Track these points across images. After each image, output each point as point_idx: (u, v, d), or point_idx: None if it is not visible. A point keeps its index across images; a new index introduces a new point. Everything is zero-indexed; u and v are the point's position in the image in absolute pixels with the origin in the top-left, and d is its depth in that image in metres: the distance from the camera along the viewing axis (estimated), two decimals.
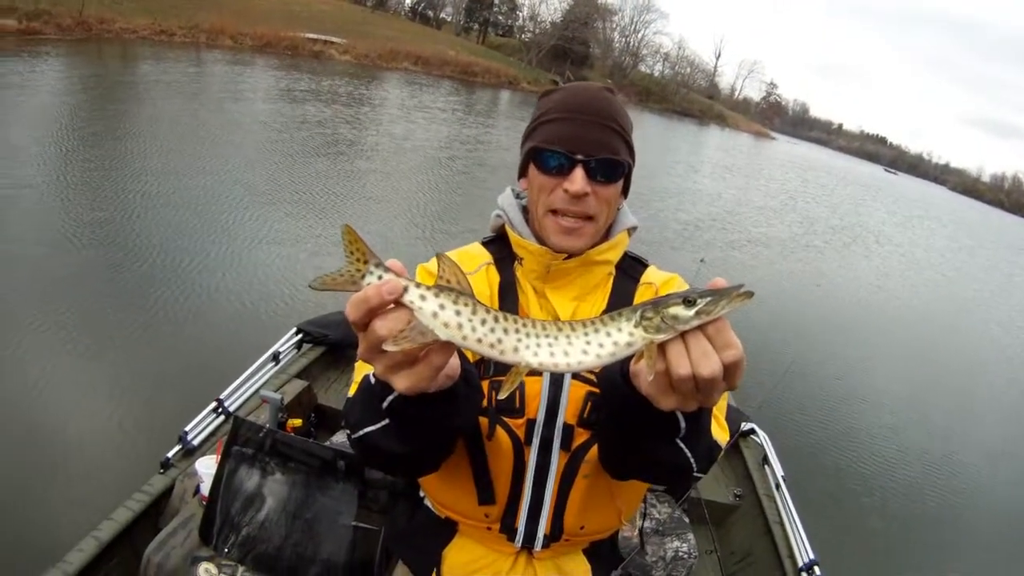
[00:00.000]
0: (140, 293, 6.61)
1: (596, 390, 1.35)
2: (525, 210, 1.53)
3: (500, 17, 72.78)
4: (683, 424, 1.08)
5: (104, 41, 25.16)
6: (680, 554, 2.86)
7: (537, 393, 1.38)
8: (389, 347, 0.83)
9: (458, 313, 0.85)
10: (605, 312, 1.44)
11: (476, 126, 24.59)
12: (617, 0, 76.16)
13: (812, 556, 3.12)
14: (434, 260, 1.41)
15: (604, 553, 1.60)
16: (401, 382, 0.90)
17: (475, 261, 1.51)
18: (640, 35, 76.16)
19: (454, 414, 1.07)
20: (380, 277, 0.84)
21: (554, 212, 1.41)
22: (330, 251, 8.50)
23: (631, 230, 1.55)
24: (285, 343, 3.92)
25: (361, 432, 1.15)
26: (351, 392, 1.26)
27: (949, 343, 12.90)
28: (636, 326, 0.88)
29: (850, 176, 58.80)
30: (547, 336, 0.88)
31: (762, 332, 8.82)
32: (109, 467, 4.20)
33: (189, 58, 25.60)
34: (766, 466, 3.89)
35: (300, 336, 4.07)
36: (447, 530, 1.51)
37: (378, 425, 1.13)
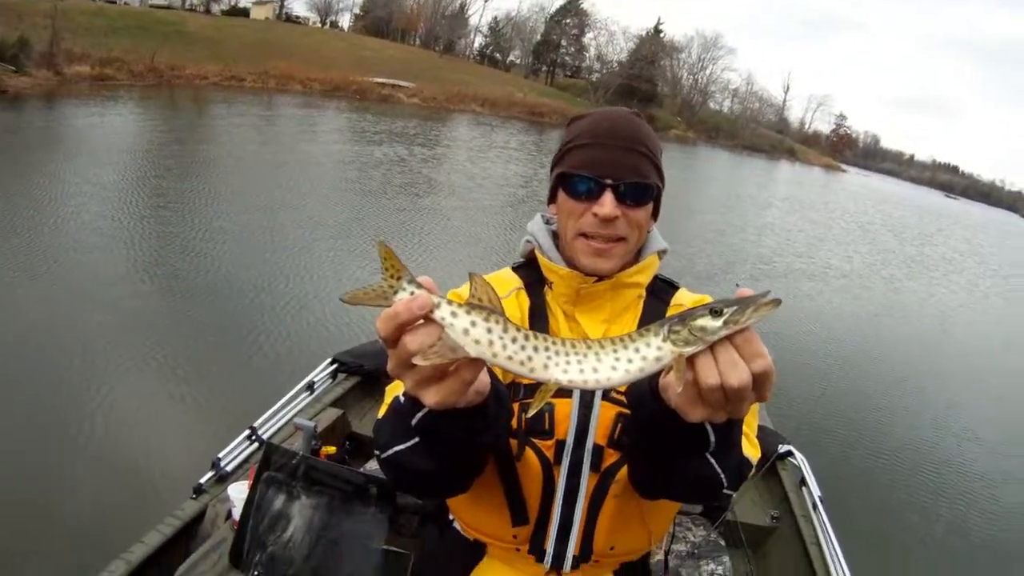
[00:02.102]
0: (186, 321, 6.88)
1: (626, 411, 1.34)
2: (555, 235, 1.55)
3: (567, 58, 74.06)
4: (713, 438, 1.08)
5: (176, 87, 26.55)
6: None
7: (567, 415, 1.38)
8: (419, 361, 0.84)
9: (489, 331, 0.86)
10: None
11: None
12: (684, 38, 76.44)
13: None
14: (466, 286, 1.41)
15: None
16: (431, 396, 0.91)
17: (506, 286, 1.53)
18: (708, 72, 76.13)
19: (483, 430, 1.07)
20: (412, 293, 0.85)
21: (584, 235, 1.42)
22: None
23: (661, 253, 1.55)
24: (320, 372, 3.93)
25: (391, 451, 1.17)
26: (380, 414, 1.28)
27: (1007, 372, 12.06)
28: (664, 340, 0.89)
29: (917, 205, 56.83)
30: (576, 353, 0.89)
31: (804, 356, 8.61)
32: (143, 492, 4.28)
33: (260, 102, 26.79)
34: (803, 487, 3.78)
35: (335, 366, 4.06)
36: (475, 552, 1.52)
37: (408, 444, 1.14)
